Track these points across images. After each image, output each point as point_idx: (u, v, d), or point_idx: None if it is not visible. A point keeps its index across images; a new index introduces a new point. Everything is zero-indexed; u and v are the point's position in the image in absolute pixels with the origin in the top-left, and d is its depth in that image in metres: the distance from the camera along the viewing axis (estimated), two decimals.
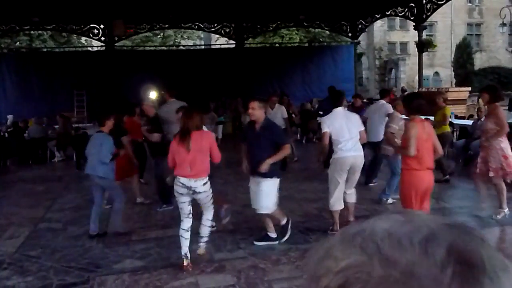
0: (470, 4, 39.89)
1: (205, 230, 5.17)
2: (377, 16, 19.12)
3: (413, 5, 15.74)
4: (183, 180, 4.88)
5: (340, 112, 5.94)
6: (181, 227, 5.02)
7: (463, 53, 36.77)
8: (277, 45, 26.31)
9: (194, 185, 4.88)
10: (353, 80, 20.50)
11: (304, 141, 15.15)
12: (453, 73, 37.62)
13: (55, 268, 5.17)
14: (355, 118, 5.99)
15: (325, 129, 5.72)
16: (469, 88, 17.93)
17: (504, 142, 6.16)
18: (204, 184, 4.96)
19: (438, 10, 15.43)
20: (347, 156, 5.73)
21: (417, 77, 19.91)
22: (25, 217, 7.30)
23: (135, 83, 16.83)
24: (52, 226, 6.85)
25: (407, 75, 36.51)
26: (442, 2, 14.74)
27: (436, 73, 39.10)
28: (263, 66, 18.87)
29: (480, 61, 38.33)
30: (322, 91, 19.45)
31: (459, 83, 32.99)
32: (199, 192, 4.94)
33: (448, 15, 37.07)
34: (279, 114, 9.56)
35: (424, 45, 16.50)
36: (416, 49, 16.76)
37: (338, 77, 19.76)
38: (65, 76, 17.27)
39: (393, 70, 38.16)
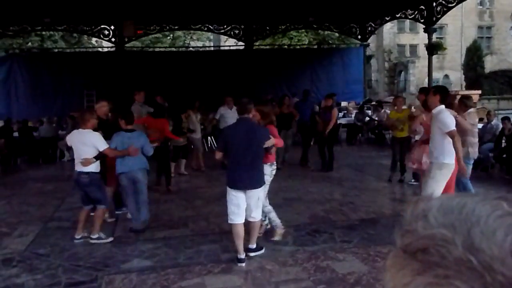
0: (481, 7, 39.64)
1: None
2: (387, 19, 19.03)
3: (423, 7, 15.66)
4: None
5: None
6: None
7: (474, 56, 36.56)
8: (286, 47, 26.29)
9: None
10: (362, 82, 20.42)
11: (312, 143, 15.13)
12: (463, 76, 37.40)
13: (63, 266, 5.22)
14: None
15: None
16: (479, 91, 17.83)
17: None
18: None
19: (449, 12, 15.33)
20: None
21: (426, 80, 19.80)
22: (35, 216, 7.38)
23: (144, 83, 16.93)
24: (61, 225, 6.91)
25: (416, 77, 36.34)
26: (453, 4, 14.65)
27: (446, 76, 38.88)
28: (272, 68, 18.85)
29: (490, 64, 38.08)
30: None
31: (469, 86, 32.78)
32: None
33: (458, 17, 36.87)
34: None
35: (434, 48, 16.40)
36: (426, 51, 16.67)
37: (347, 79, 19.70)
38: (75, 76, 17.37)
39: (403, 72, 38.00)
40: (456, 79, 38.29)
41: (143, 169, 6.31)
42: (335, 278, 4.70)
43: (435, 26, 15.96)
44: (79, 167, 5.90)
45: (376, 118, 15.79)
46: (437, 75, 34.02)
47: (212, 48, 29.24)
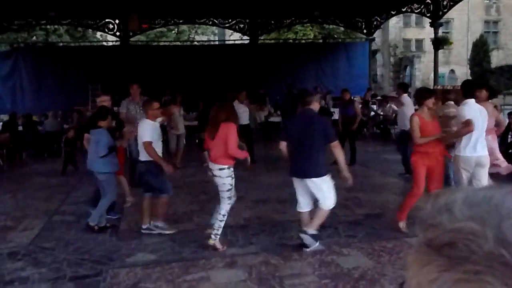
0: (488, 1, 39.36)
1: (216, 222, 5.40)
2: (393, 13, 18.92)
3: (430, 1, 15.56)
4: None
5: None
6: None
7: (480, 51, 36.32)
8: (291, 41, 26.22)
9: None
10: (367, 77, 20.35)
11: None
12: (469, 71, 37.18)
13: (68, 260, 5.23)
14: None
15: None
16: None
17: None
18: (220, 169, 5.25)
19: (455, 7, 15.24)
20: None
21: (432, 75, 19.70)
22: (40, 210, 7.39)
23: (149, 78, 16.93)
24: (66, 218, 6.92)
25: (422, 72, 36.18)
26: None
27: (452, 71, 38.68)
28: (277, 62, 18.82)
29: (497, 59, 37.83)
30: (336, 87, 19.35)
31: (475, 81, 32.58)
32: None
33: (465, 12, 36.63)
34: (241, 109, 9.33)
35: (440, 42, 16.31)
36: (432, 46, 16.58)
37: (352, 73, 19.65)
38: (80, 71, 17.41)
39: (408, 67, 37.82)
40: (462, 74, 38.07)
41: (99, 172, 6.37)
42: (340, 273, 4.68)
43: (441, 20, 15.87)
44: (142, 156, 5.94)
45: (382, 113, 15.72)
46: (443, 70, 33.85)
47: (217, 43, 29.21)
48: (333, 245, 5.47)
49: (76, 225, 6.52)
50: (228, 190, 5.29)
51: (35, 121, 13.95)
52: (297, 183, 5.32)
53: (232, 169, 5.33)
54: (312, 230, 5.23)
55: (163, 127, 8.81)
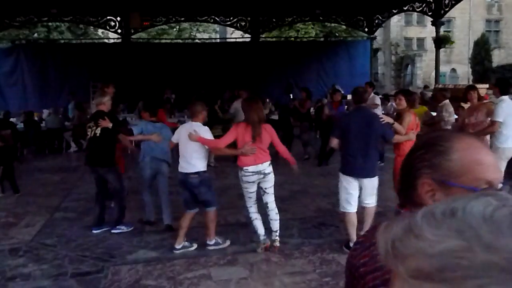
0: (489, 0, 39.29)
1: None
2: (394, 11, 18.89)
3: (431, 0, 15.54)
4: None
5: None
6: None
7: (481, 50, 36.26)
8: (292, 39, 26.19)
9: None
10: (368, 75, 20.31)
11: (318, 136, 15.11)
12: (470, 70, 37.15)
13: (70, 256, 5.25)
14: None
15: None
16: (487, 85, 17.66)
17: None
18: (270, 165, 5.20)
19: (457, 5, 15.20)
20: None
21: (433, 74, 19.68)
22: (41, 206, 7.41)
23: (150, 75, 16.93)
24: (68, 215, 6.94)
25: (423, 71, 36.13)
26: None
27: (453, 70, 38.64)
28: (278, 60, 18.80)
29: (498, 58, 37.78)
30: (337, 85, 19.34)
31: (476, 80, 32.55)
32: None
33: (466, 11, 36.57)
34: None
35: (441, 41, 16.28)
36: (433, 45, 16.57)
37: (354, 72, 19.61)
38: (81, 68, 17.40)
39: (409, 66, 37.77)
40: (463, 73, 38.05)
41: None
42: (340, 271, 4.69)
43: (443, 19, 15.83)
44: (186, 168, 5.19)
45: (383, 111, 15.71)
46: (444, 68, 33.80)
47: (218, 40, 29.19)
48: (334, 243, 5.49)
49: (78, 222, 6.53)
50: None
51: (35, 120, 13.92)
52: (351, 182, 5.13)
53: None
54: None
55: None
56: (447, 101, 7.76)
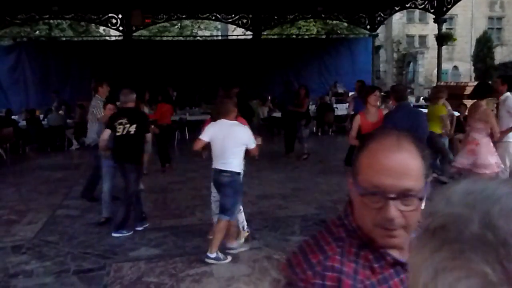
0: None
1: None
2: (396, 9, 18.83)
3: None
4: None
5: None
6: None
7: (484, 47, 36.14)
8: (294, 36, 26.16)
9: None
10: (370, 73, 20.28)
11: (319, 134, 15.13)
12: (472, 67, 37.05)
13: (72, 254, 5.26)
14: None
15: None
16: (489, 82, 17.65)
17: None
18: None
19: (459, 3, 15.15)
20: None
21: (435, 71, 19.64)
22: (44, 204, 7.43)
23: (151, 72, 16.92)
24: (70, 213, 6.95)
25: (425, 68, 36.04)
26: None
27: (455, 67, 38.52)
28: (279, 58, 18.78)
29: (500, 55, 37.66)
30: (339, 83, 19.34)
31: (479, 78, 32.48)
32: None
33: (469, 8, 36.45)
34: None
35: (443, 39, 16.23)
36: (435, 42, 16.52)
37: (355, 69, 19.58)
38: (83, 65, 17.41)
39: (411, 63, 37.68)
40: (465, 70, 37.95)
41: None
42: None
43: (445, 16, 15.79)
44: (220, 165, 4.97)
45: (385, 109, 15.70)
46: (446, 66, 33.71)
47: (219, 38, 29.15)
48: None
49: (80, 219, 6.55)
50: None
51: (38, 117, 13.95)
52: None
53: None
54: None
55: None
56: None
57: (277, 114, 15.52)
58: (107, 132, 5.93)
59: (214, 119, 5.24)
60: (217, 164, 4.98)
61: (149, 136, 6.12)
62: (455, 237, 0.51)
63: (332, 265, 1.01)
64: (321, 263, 1.02)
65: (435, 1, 15.44)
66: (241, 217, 5.42)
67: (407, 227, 1.01)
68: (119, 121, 5.91)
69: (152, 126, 7.54)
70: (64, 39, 24.33)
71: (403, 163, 1.01)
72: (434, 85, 15.74)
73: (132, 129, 5.84)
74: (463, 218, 0.51)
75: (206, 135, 5.01)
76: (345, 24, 25.59)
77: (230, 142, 4.90)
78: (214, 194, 5.35)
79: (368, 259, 1.04)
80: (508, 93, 6.78)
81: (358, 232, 1.07)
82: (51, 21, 24.28)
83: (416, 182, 1.00)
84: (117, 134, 5.90)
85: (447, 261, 0.51)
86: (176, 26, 32.29)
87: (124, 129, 5.87)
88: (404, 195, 0.99)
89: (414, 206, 1.00)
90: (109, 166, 6.30)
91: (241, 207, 5.36)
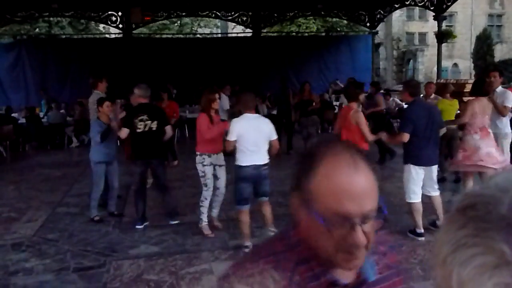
0: None
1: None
2: (396, 6, 18.81)
3: None
4: None
5: None
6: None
7: (483, 45, 36.11)
8: (293, 34, 26.13)
9: None
10: (370, 70, 20.26)
11: (319, 131, 15.11)
12: (472, 65, 37.03)
13: (72, 251, 5.27)
14: None
15: None
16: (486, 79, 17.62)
17: None
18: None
19: (459, 0, 15.16)
20: None
21: (435, 68, 19.64)
22: (43, 201, 7.43)
23: (151, 70, 16.90)
24: (70, 210, 6.96)
25: (425, 66, 36.02)
26: None
27: (455, 65, 38.51)
28: (279, 55, 18.76)
29: (500, 52, 37.63)
30: (339, 81, 19.32)
31: (478, 75, 32.47)
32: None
33: (468, 5, 36.41)
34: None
35: (443, 36, 16.21)
36: (435, 39, 16.50)
37: (355, 67, 19.56)
38: (83, 63, 17.38)
39: (411, 61, 37.65)
40: (465, 67, 37.93)
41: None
42: None
43: (445, 14, 15.77)
44: (257, 160, 4.99)
45: (385, 106, 15.69)
46: (446, 63, 33.70)
47: (219, 35, 29.12)
48: None
49: (80, 217, 6.56)
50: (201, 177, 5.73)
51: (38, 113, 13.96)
52: (420, 173, 5.42)
53: (203, 156, 5.69)
54: (438, 220, 5.61)
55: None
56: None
57: (275, 112, 15.52)
58: (125, 131, 5.88)
59: (235, 114, 5.39)
60: (254, 160, 4.97)
61: (169, 129, 6.11)
62: (482, 216, 0.52)
63: (261, 280, 0.96)
64: (252, 276, 0.97)
65: None
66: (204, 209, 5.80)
67: (367, 245, 0.95)
68: (140, 117, 5.85)
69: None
70: (64, 36, 24.33)
71: (364, 185, 0.93)
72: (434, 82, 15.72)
73: (154, 125, 5.86)
74: (494, 199, 0.53)
75: (233, 134, 4.98)
76: (345, 21, 25.58)
77: (261, 135, 4.98)
78: (216, 192, 5.70)
79: (304, 277, 0.99)
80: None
81: (299, 247, 1.01)
82: (51, 18, 24.25)
83: (375, 200, 0.95)
84: (138, 131, 5.85)
85: (468, 237, 0.52)
86: (176, 24, 32.26)
87: (145, 125, 5.85)
88: (367, 217, 0.93)
89: (372, 222, 0.95)
90: (98, 165, 6.39)
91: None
